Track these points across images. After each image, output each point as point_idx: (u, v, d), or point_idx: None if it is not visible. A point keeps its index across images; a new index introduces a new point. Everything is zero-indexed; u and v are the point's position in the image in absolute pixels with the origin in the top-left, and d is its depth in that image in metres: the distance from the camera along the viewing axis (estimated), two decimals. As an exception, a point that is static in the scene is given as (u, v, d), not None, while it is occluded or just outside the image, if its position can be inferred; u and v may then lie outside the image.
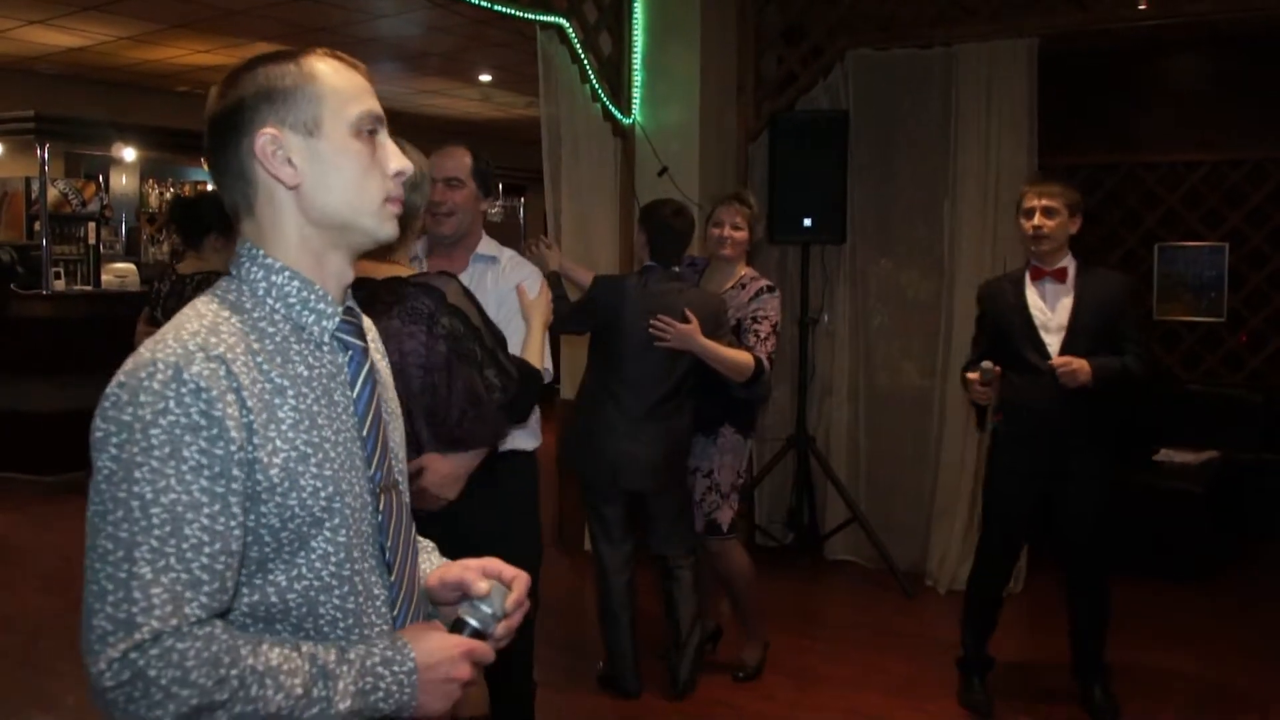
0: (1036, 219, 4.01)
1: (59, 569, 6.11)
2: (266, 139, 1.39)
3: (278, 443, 1.32)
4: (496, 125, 11.87)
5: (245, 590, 1.34)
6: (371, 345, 1.54)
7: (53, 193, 9.32)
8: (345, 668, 1.32)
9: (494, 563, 1.55)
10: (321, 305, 1.44)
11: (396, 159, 1.46)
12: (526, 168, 8.55)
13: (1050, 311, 4.04)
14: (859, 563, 6.19)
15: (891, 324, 6.29)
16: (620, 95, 5.97)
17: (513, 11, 5.39)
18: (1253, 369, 7.37)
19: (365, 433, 1.47)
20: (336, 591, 1.39)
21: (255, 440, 1.30)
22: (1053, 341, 4.01)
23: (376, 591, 1.45)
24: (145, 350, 1.30)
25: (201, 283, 4.00)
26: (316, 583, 1.37)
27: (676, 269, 4.30)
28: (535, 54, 5.77)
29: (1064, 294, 4.04)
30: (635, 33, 6.00)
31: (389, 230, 1.48)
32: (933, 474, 6.03)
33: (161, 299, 4.60)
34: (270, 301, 1.41)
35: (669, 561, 4.36)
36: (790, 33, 6.36)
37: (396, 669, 1.36)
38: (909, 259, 6.22)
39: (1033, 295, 4.08)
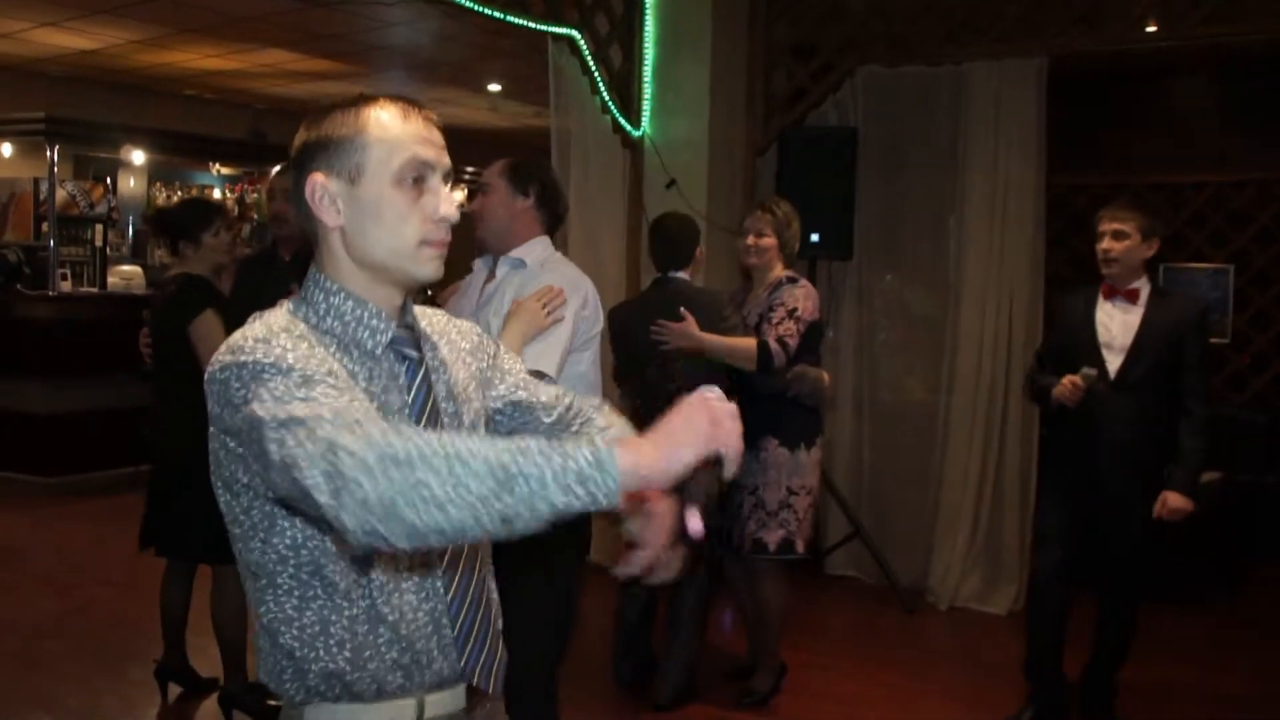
0: (1105, 243, 4.03)
1: (60, 571, 6.13)
2: (316, 184, 1.54)
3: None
4: (505, 135, 11.87)
5: (277, 539, 1.47)
6: (429, 355, 1.64)
7: (61, 194, 9.34)
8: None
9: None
10: (375, 322, 1.57)
11: (444, 206, 1.55)
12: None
13: (1116, 330, 4.04)
14: (860, 578, 6.20)
15: (896, 340, 6.30)
16: (630, 107, 5.99)
17: (525, 23, 5.40)
18: (1256, 390, 7.38)
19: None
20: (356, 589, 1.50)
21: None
22: (1114, 360, 4.01)
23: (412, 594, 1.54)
24: (235, 334, 1.46)
25: (182, 283, 4.07)
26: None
27: (680, 274, 4.28)
28: (544, 65, 5.80)
29: (1133, 314, 4.03)
30: (646, 46, 6.02)
31: (428, 271, 1.58)
32: (935, 490, 6.03)
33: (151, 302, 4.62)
34: (329, 320, 1.55)
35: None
36: (800, 49, 6.38)
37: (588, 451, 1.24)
38: (915, 275, 6.23)
39: (1102, 312, 4.08)
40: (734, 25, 6.14)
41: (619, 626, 4.62)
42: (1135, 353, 3.98)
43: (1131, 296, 4.05)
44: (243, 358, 1.40)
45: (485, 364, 1.77)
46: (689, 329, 4.00)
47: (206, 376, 1.45)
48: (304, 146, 1.57)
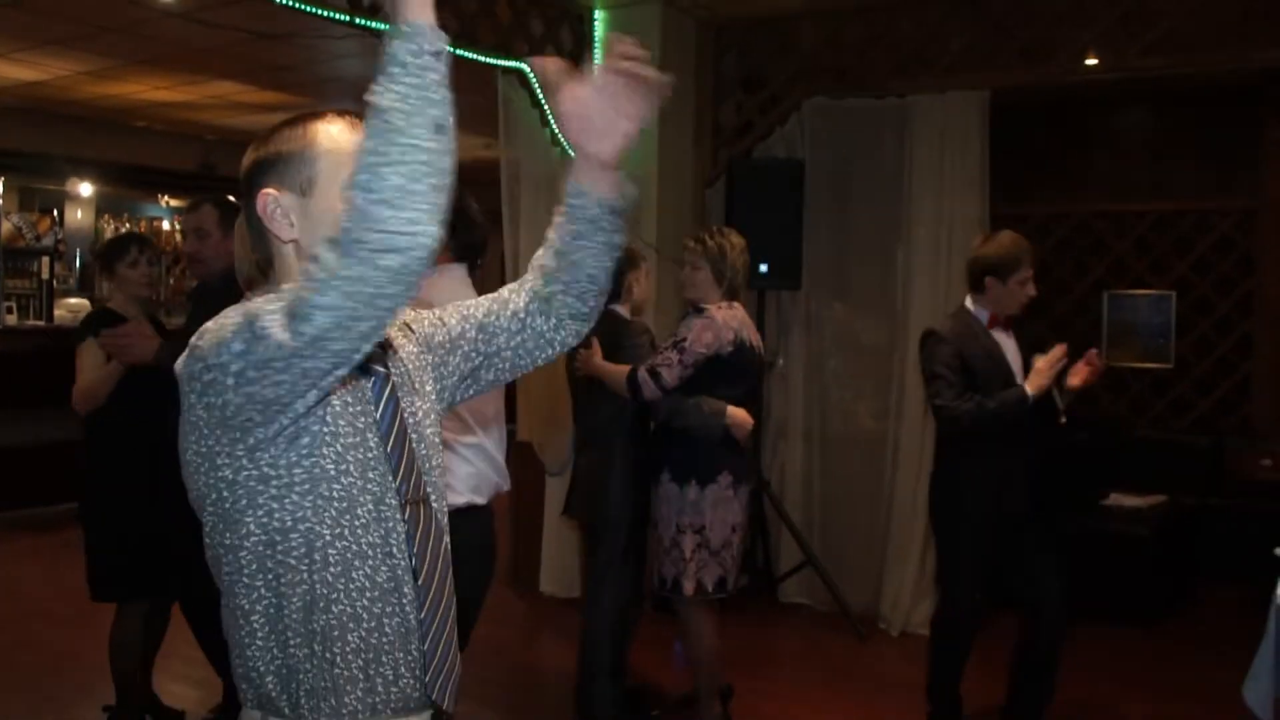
0: (1030, 287, 4.11)
1: (3, 605, 6.03)
2: (268, 199, 1.55)
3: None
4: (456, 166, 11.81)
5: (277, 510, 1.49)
6: (394, 372, 1.64)
7: (6, 226, 9.26)
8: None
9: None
10: None
11: None
12: (484, 209, 8.56)
13: (1010, 357, 4.11)
14: (813, 606, 6.22)
15: (846, 368, 6.36)
16: (580, 140, 6.01)
17: (474, 56, 5.43)
18: (1199, 414, 7.50)
19: (390, 448, 1.58)
20: (369, 563, 1.53)
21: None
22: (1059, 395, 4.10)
23: (392, 608, 1.56)
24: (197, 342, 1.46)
25: (89, 317, 4.20)
26: (353, 547, 1.52)
27: (613, 306, 4.25)
28: (494, 96, 5.81)
29: (1011, 340, 4.15)
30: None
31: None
32: (885, 517, 6.08)
33: None
34: None
35: None
36: (748, 81, 6.45)
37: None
38: (863, 305, 6.30)
39: (999, 340, 4.14)
40: (683, 57, 6.20)
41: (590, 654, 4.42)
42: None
43: (1008, 325, 4.16)
44: (199, 345, 1.43)
45: (427, 345, 1.76)
46: (589, 356, 4.14)
47: (178, 377, 1.48)
48: (253, 165, 1.57)
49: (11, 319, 8.82)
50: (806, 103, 6.23)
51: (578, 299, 1.76)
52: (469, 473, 3.15)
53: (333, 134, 1.57)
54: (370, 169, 1.28)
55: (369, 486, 1.54)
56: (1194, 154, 7.63)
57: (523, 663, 5.46)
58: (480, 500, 3.18)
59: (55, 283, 9.88)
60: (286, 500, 1.49)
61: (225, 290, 4.04)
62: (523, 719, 4.71)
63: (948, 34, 5.85)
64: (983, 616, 4.23)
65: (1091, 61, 5.62)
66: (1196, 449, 7.15)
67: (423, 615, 1.58)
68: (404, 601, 1.57)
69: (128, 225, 11.03)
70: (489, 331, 1.77)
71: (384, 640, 1.55)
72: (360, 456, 1.53)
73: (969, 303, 4.16)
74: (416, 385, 1.69)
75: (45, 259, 9.82)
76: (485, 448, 3.20)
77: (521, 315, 1.77)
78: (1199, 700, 4.94)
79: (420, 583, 1.58)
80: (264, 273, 1.63)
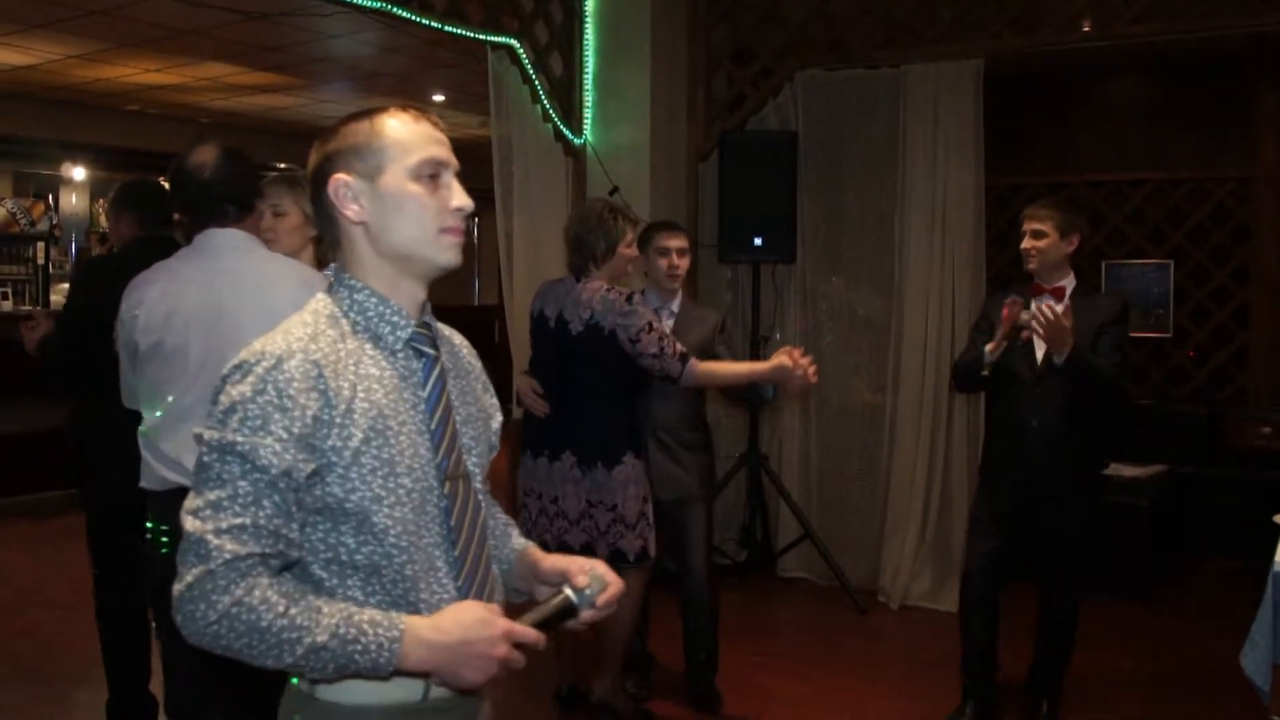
0: (1025, 241, 4.12)
1: (1, 596, 6.04)
2: (339, 183, 1.69)
3: (350, 429, 1.59)
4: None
5: (322, 546, 1.61)
6: (445, 355, 1.79)
7: (0, 212, 9.22)
8: (334, 612, 1.53)
9: (600, 565, 1.79)
10: (396, 318, 1.70)
11: (458, 197, 1.72)
12: (480, 188, 8.51)
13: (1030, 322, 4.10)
14: (812, 579, 6.23)
15: (842, 341, 6.34)
16: (572, 116, 5.99)
17: (464, 32, 5.40)
18: (1197, 384, 7.49)
19: (433, 426, 1.71)
20: (397, 559, 1.62)
21: (330, 428, 1.58)
22: (1040, 353, 4.07)
23: (439, 565, 1.68)
24: (258, 342, 1.61)
25: None
26: (379, 549, 1.61)
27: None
28: (485, 74, 5.78)
29: (1060, 310, 4.10)
30: (586, 53, 6.03)
31: (450, 257, 1.73)
32: (884, 490, 6.08)
33: None
34: (353, 315, 1.69)
35: None
36: (740, 54, 6.42)
37: (381, 632, 1.53)
38: (858, 277, 6.27)
39: (1030, 309, 4.13)
40: (673, 31, 6.17)
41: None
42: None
43: (1058, 294, 4.11)
44: (247, 367, 1.59)
45: (487, 399, 1.92)
46: None
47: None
48: (324, 156, 1.71)
49: (7, 305, 8.81)
50: (799, 74, 6.20)
51: None
52: None
53: (397, 124, 1.71)
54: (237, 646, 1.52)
55: (409, 461, 1.65)
56: (1189, 123, 7.59)
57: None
58: None
59: (51, 268, 9.87)
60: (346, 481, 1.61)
61: (118, 268, 4.02)
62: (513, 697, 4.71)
63: (939, 3, 5.81)
64: (1000, 580, 4.23)
65: (1084, 29, 5.58)
66: (1195, 419, 7.13)
67: (460, 584, 1.70)
68: (439, 573, 1.68)
69: (104, 211, 10.99)
70: None
71: (428, 613, 1.64)
72: (408, 433, 1.66)
73: None
74: (466, 367, 1.86)
75: (40, 244, 9.80)
76: None
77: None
78: (1197, 669, 4.95)
79: (457, 554, 1.70)
80: (331, 253, 1.76)
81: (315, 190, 1.73)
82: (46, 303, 9.20)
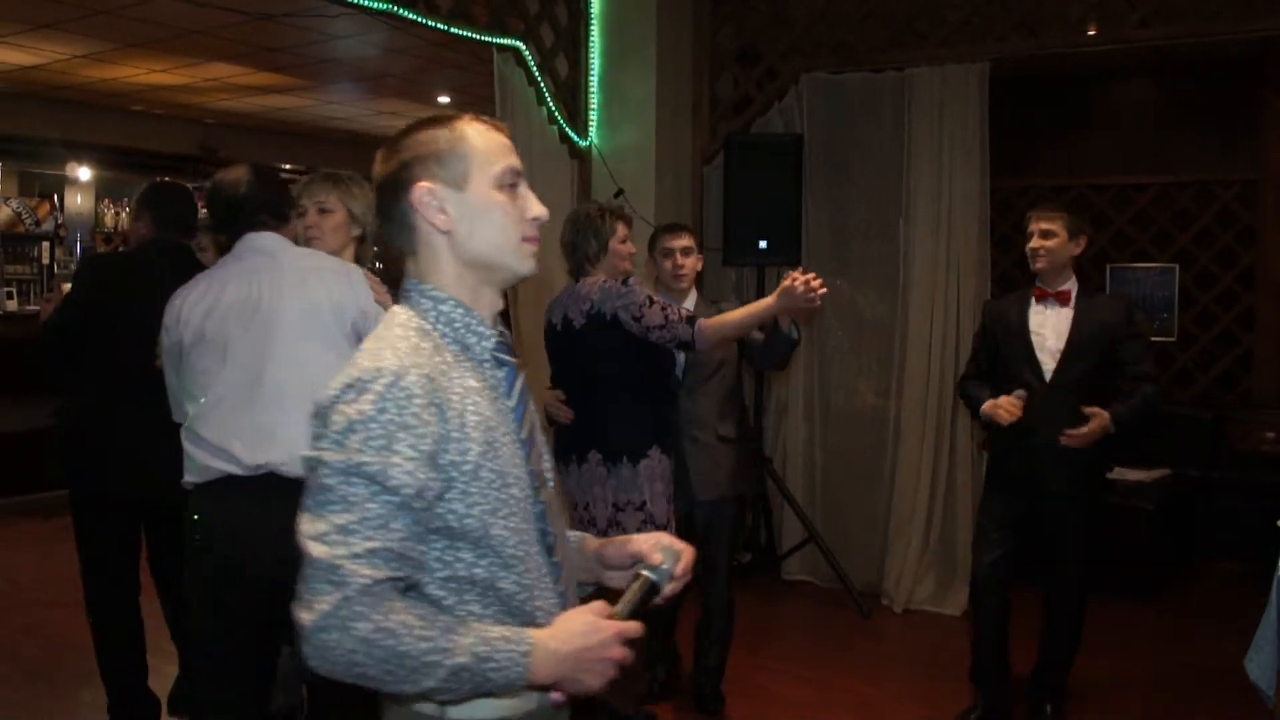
0: (1034, 241, 4.12)
1: (5, 591, 6.04)
2: (423, 191, 1.66)
3: (467, 443, 1.58)
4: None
5: (439, 564, 1.59)
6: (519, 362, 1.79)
7: (6, 212, 9.24)
8: (467, 631, 1.52)
9: (664, 536, 1.80)
10: (481, 328, 1.70)
11: (535, 206, 1.73)
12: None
13: (1049, 332, 4.11)
14: (816, 582, 6.22)
15: (847, 344, 6.33)
16: (577, 117, 6.00)
17: (469, 34, 5.40)
18: (1201, 387, 7.48)
19: (524, 435, 1.72)
20: (516, 570, 1.63)
21: (449, 444, 1.56)
22: (1049, 362, 4.08)
23: (545, 572, 1.69)
24: (365, 359, 1.57)
25: None
26: (498, 561, 1.61)
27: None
28: (491, 76, 5.78)
29: (1064, 316, 4.11)
30: (592, 55, 6.03)
31: (529, 266, 1.73)
32: (888, 493, 6.07)
33: None
34: (441, 326, 1.67)
35: None
36: (745, 56, 6.42)
37: (513, 647, 1.53)
38: (864, 280, 6.27)
39: (1034, 316, 4.15)
40: (679, 33, 6.17)
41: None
42: (1069, 353, 4.04)
43: (1062, 298, 4.12)
44: (363, 385, 1.55)
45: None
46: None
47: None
48: (402, 164, 1.68)
49: (12, 304, 8.81)
50: (804, 77, 6.20)
51: None
52: None
53: (479, 133, 1.70)
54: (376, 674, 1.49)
55: (515, 470, 1.66)
56: (1194, 126, 7.58)
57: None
58: None
59: (56, 267, 9.87)
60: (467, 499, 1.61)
61: (121, 266, 4.02)
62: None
63: (944, 5, 5.81)
64: (1008, 589, 4.23)
65: (1090, 32, 5.58)
66: (1200, 422, 7.12)
67: (560, 589, 1.73)
68: (546, 580, 1.70)
69: (128, 210, 11.01)
70: None
71: (543, 621, 1.66)
72: (508, 443, 1.66)
73: None
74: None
75: (45, 244, 9.81)
76: None
77: None
78: (1201, 672, 4.95)
79: (556, 560, 1.74)
80: (399, 263, 1.75)
81: (389, 197, 1.69)
82: (52, 303, 9.20)
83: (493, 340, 1.70)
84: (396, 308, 1.70)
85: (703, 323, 3.75)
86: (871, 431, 6.20)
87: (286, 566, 2.78)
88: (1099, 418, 3.87)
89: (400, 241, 1.72)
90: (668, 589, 1.74)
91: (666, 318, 3.76)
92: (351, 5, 4.99)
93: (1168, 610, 5.91)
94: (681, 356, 4.25)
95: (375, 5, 4.91)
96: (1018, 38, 5.71)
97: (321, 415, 1.55)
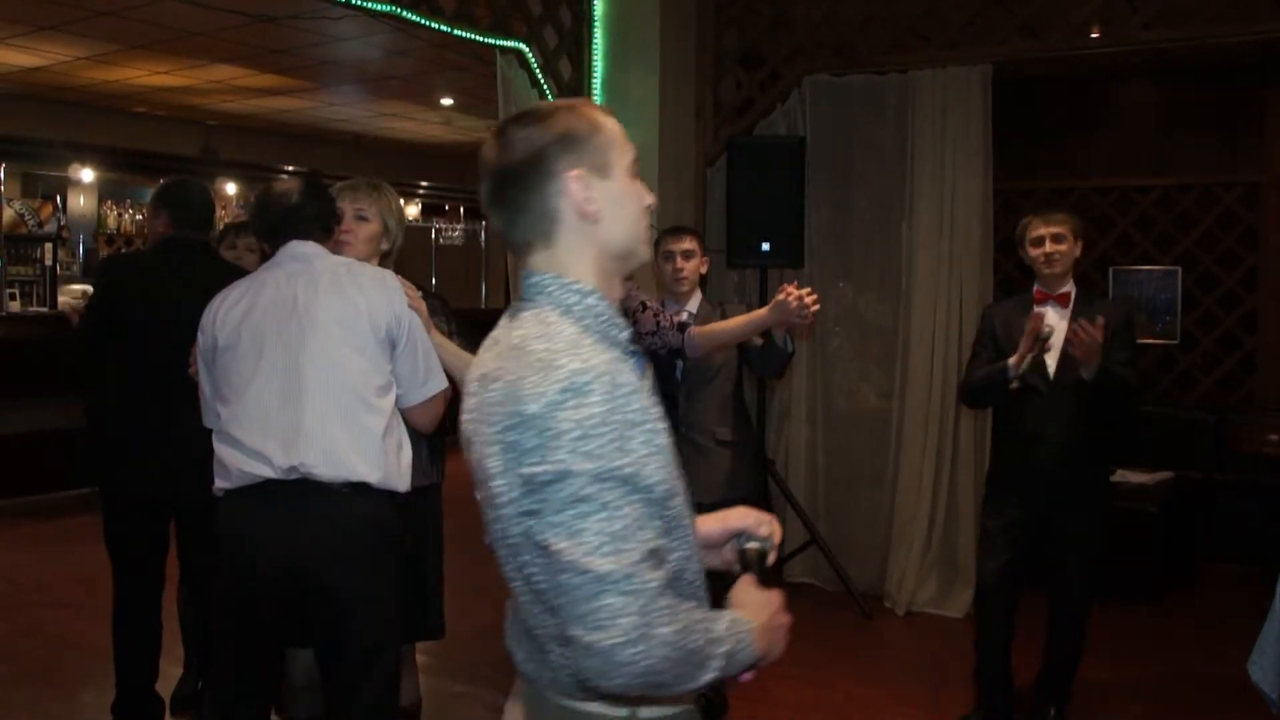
0: (1048, 246, 4.10)
1: (8, 592, 6.04)
2: (575, 178, 1.58)
3: (662, 434, 1.55)
4: (458, 149, 11.85)
5: None
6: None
7: (8, 213, 9.25)
8: (713, 616, 1.53)
9: (752, 511, 1.82)
10: (619, 319, 1.64)
11: (649, 195, 1.69)
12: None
13: (1052, 334, 4.10)
14: (818, 585, 6.21)
15: (849, 347, 6.33)
16: (580, 119, 5.99)
17: (472, 36, 5.40)
18: (1205, 390, 7.48)
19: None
20: (695, 558, 1.64)
21: (656, 437, 1.53)
22: (1051, 362, 4.07)
23: (698, 556, 1.68)
24: (567, 360, 1.47)
25: None
26: (684, 548, 1.60)
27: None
28: (494, 78, 5.79)
29: (1065, 318, 4.10)
30: (595, 58, 6.03)
31: (648, 253, 1.73)
32: (890, 496, 6.06)
33: None
34: (588, 320, 1.58)
35: None
36: (748, 58, 6.42)
37: (743, 627, 1.55)
38: (866, 282, 6.27)
39: (1043, 315, 4.13)
40: (682, 36, 6.17)
41: None
42: (1070, 356, 4.03)
43: (1063, 301, 4.13)
44: (579, 387, 1.46)
45: None
46: None
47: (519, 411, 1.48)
48: (540, 152, 1.58)
49: (14, 305, 8.82)
50: (807, 79, 6.19)
51: None
52: None
53: (608, 122, 1.65)
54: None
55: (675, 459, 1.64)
56: (1198, 128, 7.59)
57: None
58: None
59: (58, 269, 9.88)
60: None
61: (132, 265, 4.03)
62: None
63: (947, 7, 5.81)
64: (1015, 593, 4.22)
65: (1093, 35, 5.58)
66: (1203, 425, 7.12)
67: (703, 571, 1.71)
68: (699, 563, 1.68)
69: (130, 211, 11.03)
70: None
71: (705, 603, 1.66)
72: (663, 431, 1.61)
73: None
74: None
75: (48, 245, 9.81)
76: None
77: None
78: (1205, 675, 4.94)
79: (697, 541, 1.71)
80: (527, 252, 1.66)
81: (523, 185, 1.60)
82: (54, 304, 9.21)
83: (627, 331, 1.65)
84: (530, 305, 1.61)
85: (693, 330, 3.77)
86: (874, 434, 6.20)
87: (313, 572, 2.75)
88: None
89: (531, 233, 1.62)
90: (771, 558, 1.78)
91: (658, 324, 3.76)
92: (354, 7, 4.99)
93: (1170, 613, 5.90)
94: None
95: (378, 7, 4.92)
96: (1020, 40, 5.72)
97: (533, 426, 1.44)
